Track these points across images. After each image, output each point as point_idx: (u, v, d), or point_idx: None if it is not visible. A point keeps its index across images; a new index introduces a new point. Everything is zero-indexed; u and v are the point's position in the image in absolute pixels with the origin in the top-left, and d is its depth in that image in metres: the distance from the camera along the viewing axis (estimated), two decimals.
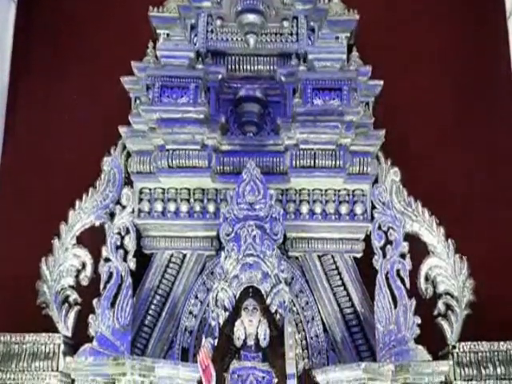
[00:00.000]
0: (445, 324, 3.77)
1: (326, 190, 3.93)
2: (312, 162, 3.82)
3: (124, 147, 3.97)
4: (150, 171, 3.90)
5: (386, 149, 3.97)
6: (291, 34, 4.12)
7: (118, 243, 3.80)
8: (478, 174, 4.23)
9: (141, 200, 3.93)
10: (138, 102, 3.98)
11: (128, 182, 3.95)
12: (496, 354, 3.66)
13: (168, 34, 4.01)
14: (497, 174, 4.23)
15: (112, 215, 3.88)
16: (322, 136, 3.80)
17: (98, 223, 3.88)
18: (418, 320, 3.67)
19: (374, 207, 3.90)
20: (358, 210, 3.92)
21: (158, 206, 3.91)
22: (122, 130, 3.93)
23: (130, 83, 4.02)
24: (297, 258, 3.97)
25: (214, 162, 3.88)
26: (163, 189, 3.93)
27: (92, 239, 3.87)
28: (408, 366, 3.55)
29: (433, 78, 4.32)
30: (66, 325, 3.74)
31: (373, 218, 3.88)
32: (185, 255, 3.95)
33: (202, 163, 3.83)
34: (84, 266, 3.83)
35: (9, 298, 3.92)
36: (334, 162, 3.82)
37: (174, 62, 3.92)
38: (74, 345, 3.71)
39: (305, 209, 3.92)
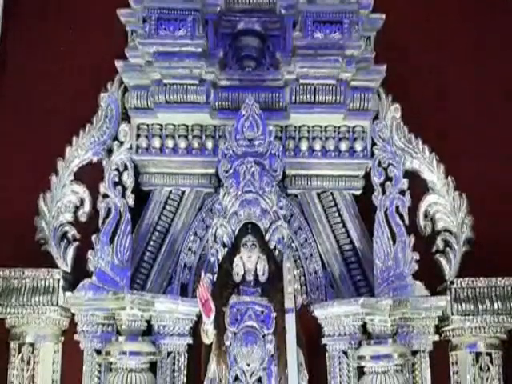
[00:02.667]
0: (443, 260, 3.79)
1: (325, 127, 3.88)
2: (312, 97, 3.75)
3: (121, 82, 3.90)
4: (147, 106, 3.83)
5: (386, 85, 3.90)
6: None
7: (116, 179, 3.77)
8: (479, 111, 4.17)
9: (138, 136, 3.87)
10: (134, 35, 3.87)
11: (125, 118, 3.89)
12: (493, 289, 3.68)
13: None
14: (500, 109, 4.17)
15: (110, 151, 3.83)
16: (323, 70, 3.71)
17: (95, 159, 3.84)
18: (417, 256, 3.68)
19: (374, 144, 3.86)
20: (358, 146, 3.87)
21: (156, 143, 3.86)
22: (119, 64, 3.84)
23: (126, 16, 3.90)
24: (296, 195, 3.95)
25: (213, 97, 3.81)
26: (161, 125, 3.87)
27: (90, 176, 3.83)
28: (406, 300, 3.57)
29: (435, 11, 4.22)
30: (65, 260, 3.75)
31: (373, 154, 3.85)
32: (183, 192, 3.92)
33: (200, 98, 3.76)
34: (82, 202, 3.82)
35: (8, 234, 3.91)
36: (334, 98, 3.75)
37: None
38: (73, 280, 3.72)
39: (304, 146, 3.88)
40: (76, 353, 3.64)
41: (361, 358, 3.56)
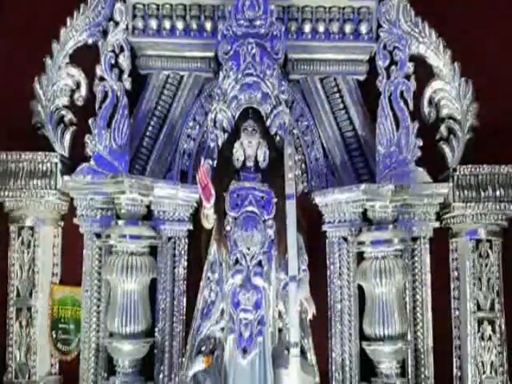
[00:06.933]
0: (446, 148, 3.74)
1: (329, 8, 3.74)
2: None
3: None
4: None
5: None
6: None
7: (113, 62, 3.66)
8: None
9: (134, 16, 3.74)
10: None
11: None
12: (496, 176, 3.65)
13: None
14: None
15: (105, 33, 3.70)
16: None
17: (90, 41, 3.73)
18: (420, 142, 3.62)
19: (379, 26, 3.72)
20: (363, 29, 3.74)
21: (153, 23, 3.73)
22: None
23: None
24: (298, 81, 3.85)
25: None
26: (157, 4, 3.73)
27: (86, 58, 3.72)
28: (407, 187, 3.54)
29: None
30: (62, 145, 3.71)
31: (378, 37, 3.72)
32: (182, 76, 3.82)
33: None
34: (78, 85, 3.74)
35: (3, 118, 3.82)
36: None
37: None
38: (71, 165, 3.67)
39: (307, 28, 3.74)
40: (76, 237, 3.64)
41: (361, 243, 3.56)
